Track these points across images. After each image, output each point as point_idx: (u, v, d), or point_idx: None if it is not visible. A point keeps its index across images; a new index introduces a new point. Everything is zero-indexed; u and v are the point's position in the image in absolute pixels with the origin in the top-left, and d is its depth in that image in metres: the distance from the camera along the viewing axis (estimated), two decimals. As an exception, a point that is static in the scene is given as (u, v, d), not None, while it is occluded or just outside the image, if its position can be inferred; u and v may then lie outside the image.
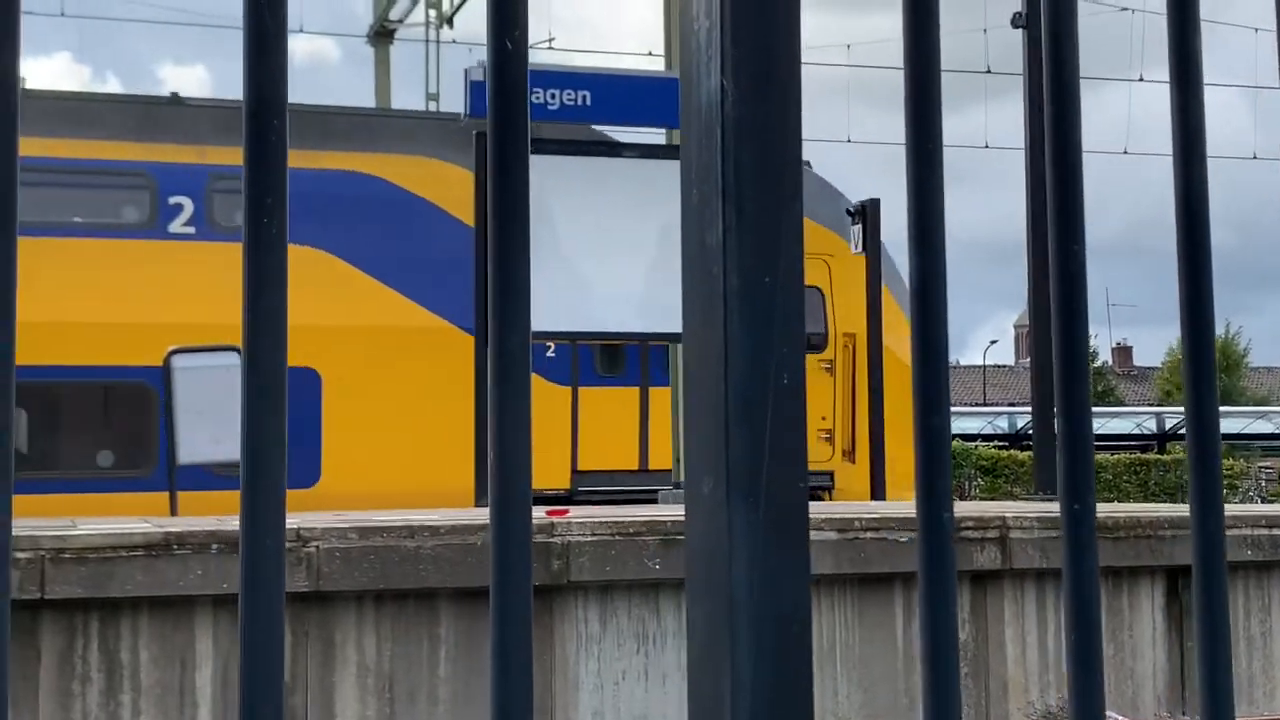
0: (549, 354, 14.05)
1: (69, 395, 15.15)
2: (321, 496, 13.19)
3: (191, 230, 15.19)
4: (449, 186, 15.26)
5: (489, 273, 1.16)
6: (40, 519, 7.32)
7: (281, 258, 1.11)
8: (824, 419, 16.13)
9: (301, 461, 14.63)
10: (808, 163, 19.61)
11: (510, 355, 1.16)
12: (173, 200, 15.21)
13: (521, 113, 1.17)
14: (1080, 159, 1.37)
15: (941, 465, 1.26)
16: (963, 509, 8.67)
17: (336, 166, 15.42)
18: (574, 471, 12.61)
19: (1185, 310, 1.46)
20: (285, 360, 1.10)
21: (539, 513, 7.96)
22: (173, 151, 15.37)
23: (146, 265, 14.98)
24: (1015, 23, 13.14)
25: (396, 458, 15.19)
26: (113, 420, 15.77)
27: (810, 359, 18.16)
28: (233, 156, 15.89)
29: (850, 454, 16.17)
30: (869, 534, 7.18)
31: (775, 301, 1.18)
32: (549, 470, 14.06)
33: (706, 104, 1.20)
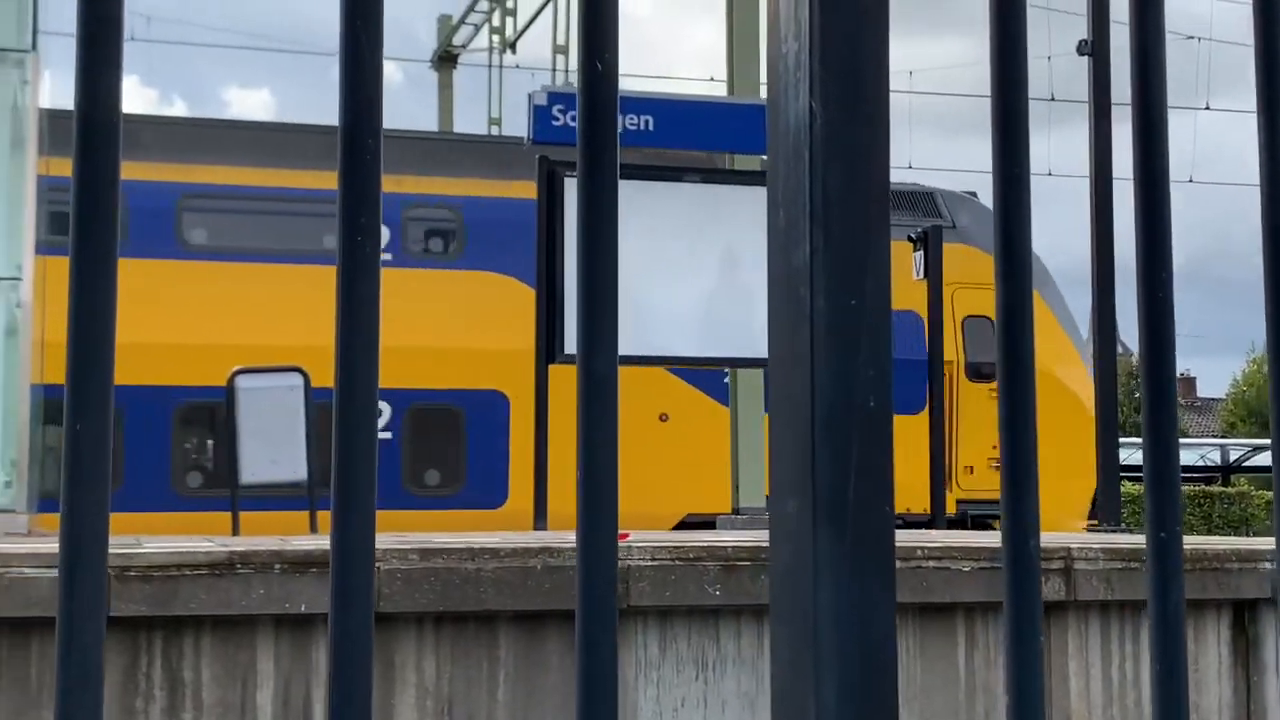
0: (725, 380, 14.48)
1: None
2: (509, 516, 13.53)
3: (389, 257, 15.77)
4: None
5: (578, 296, 1.16)
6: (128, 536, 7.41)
7: (375, 278, 1.12)
8: (995, 447, 16.34)
9: (490, 482, 15.30)
10: (973, 193, 19.60)
11: (598, 377, 1.16)
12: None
13: (611, 134, 1.17)
14: (1168, 188, 1.36)
15: (1028, 492, 1.25)
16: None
17: (525, 195, 15.87)
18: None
19: (1272, 338, 1.44)
20: (377, 379, 1.10)
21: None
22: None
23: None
24: (1081, 50, 13.07)
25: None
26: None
27: (982, 388, 18.24)
28: (429, 186, 16.39)
29: None
30: (931, 563, 7.13)
31: (862, 324, 1.18)
32: (714, 495, 14.51)
33: (795, 126, 1.20)
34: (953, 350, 18.20)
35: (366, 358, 1.12)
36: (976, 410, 17.77)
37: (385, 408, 16.08)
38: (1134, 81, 1.37)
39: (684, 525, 15.30)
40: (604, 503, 1.15)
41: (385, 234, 16.41)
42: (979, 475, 17.75)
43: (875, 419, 1.18)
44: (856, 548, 1.16)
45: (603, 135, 1.18)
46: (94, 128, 1.05)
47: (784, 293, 1.20)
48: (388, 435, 15.71)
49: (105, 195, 1.05)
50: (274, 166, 15.74)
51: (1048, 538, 9.44)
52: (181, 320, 15.17)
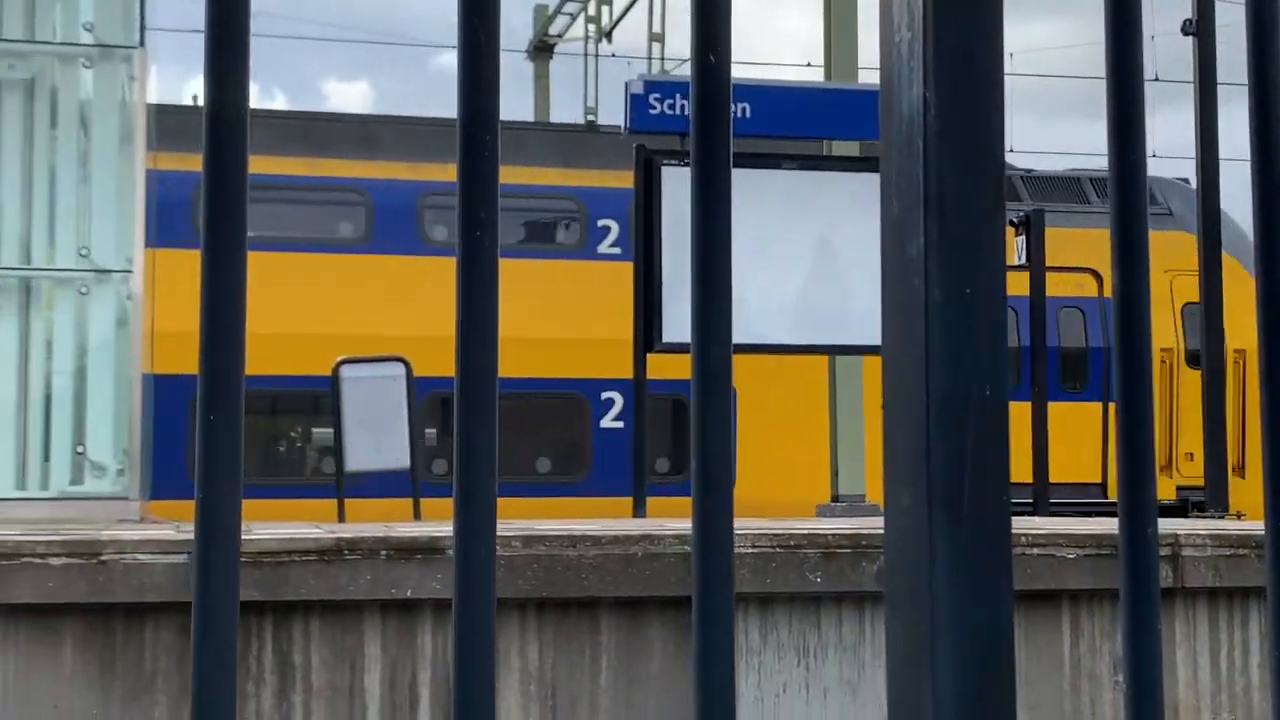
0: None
1: (516, 406, 16.35)
2: (736, 503, 13.94)
3: (618, 251, 16.32)
4: None
5: (693, 286, 1.18)
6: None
7: (492, 271, 1.14)
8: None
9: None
10: (1186, 180, 19.49)
11: (712, 367, 1.17)
12: (600, 223, 16.75)
13: (724, 126, 1.18)
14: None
15: (1146, 478, 1.25)
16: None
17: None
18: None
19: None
20: (496, 370, 1.12)
21: (699, 524, 7.97)
22: (597, 177, 16.58)
23: (579, 284, 16.20)
24: (1185, 30, 12.85)
25: (799, 467, 15.83)
26: (551, 429, 17.36)
27: (1197, 375, 18.31)
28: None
29: (1240, 469, 16.71)
30: (1035, 550, 7.07)
31: (977, 313, 1.18)
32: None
33: (908, 115, 1.20)
34: (1171, 337, 18.20)
35: (484, 345, 1.14)
36: (1196, 397, 17.67)
37: (618, 397, 16.56)
38: (1250, 59, 1.35)
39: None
40: (719, 491, 1.16)
41: (615, 229, 16.98)
42: (1199, 462, 17.72)
43: (991, 408, 1.18)
44: (973, 537, 1.16)
45: (716, 127, 1.19)
46: (223, 124, 1.08)
47: (898, 283, 1.21)
48: (619, 424, 16.28)
49: (235, 189, 1.08)
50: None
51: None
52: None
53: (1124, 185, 1.24)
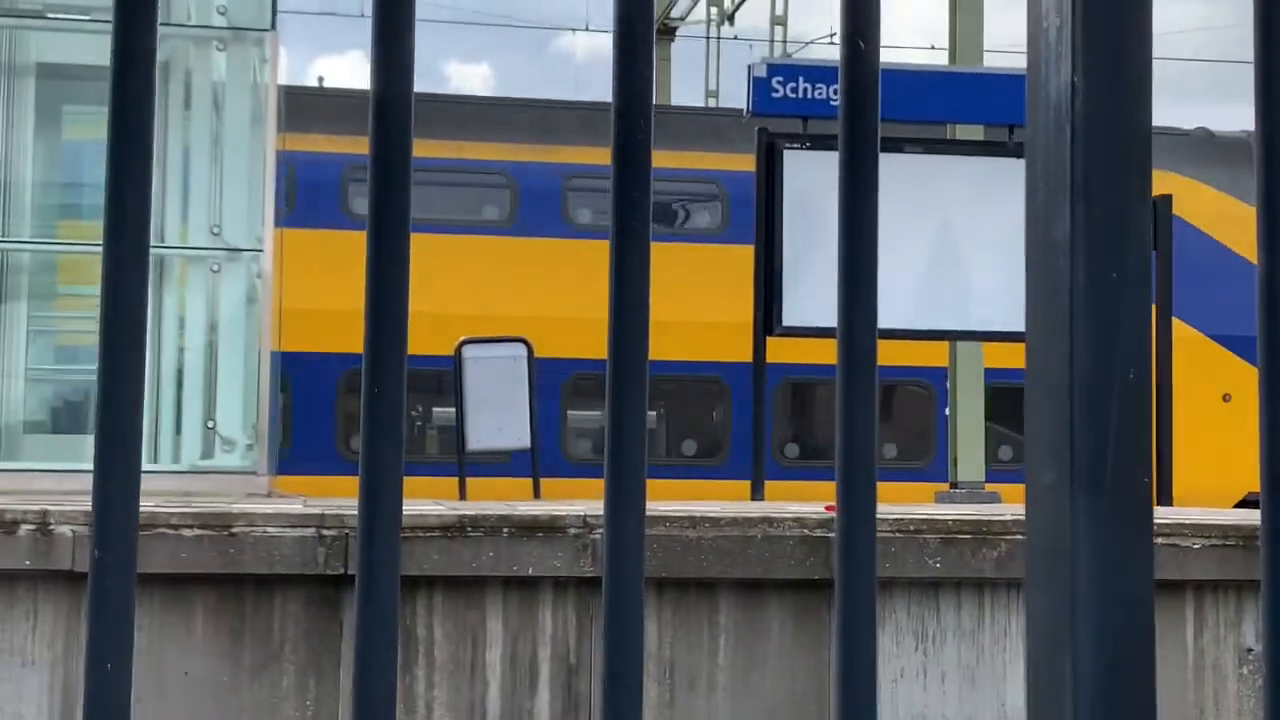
0: None
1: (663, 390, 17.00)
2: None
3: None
4: (1199, 203, 16.63)
5: (840, 272, 1.20)
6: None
7: (644, 254, 1.17)
8: None
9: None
10: None
11: (859, 353, 1.19)
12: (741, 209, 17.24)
13: (872, 112, 1.21)
14: None
15: (1288, 465, 1.25)
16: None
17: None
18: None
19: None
20: (647, 348, 1.16)
21: (818, 508, 7.97)
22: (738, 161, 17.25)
23: (721, 268, 16.68)
24: None
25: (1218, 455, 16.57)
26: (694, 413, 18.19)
27: None
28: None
29: None
30: (1160, 540, 6.99)
31: (1122, 297, 1.19)
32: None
33: (1056, 101, 1.21)
34: None
35: (637, 327, 1.17)
36: None
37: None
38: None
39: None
40: (862, 478, 1.19)
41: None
42: None
43: (1135, 390, 1.19)
44: (1115, 518, 1.18)
45: (864, 113, 1.21)
46: (388, 105, 1.12)
47: (1043, 266, 1.22)
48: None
49: (399, 171, 1.12)
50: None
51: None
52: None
53: (1271, 162, 1.25)
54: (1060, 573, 1.18)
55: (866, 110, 1.21)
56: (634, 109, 1.17)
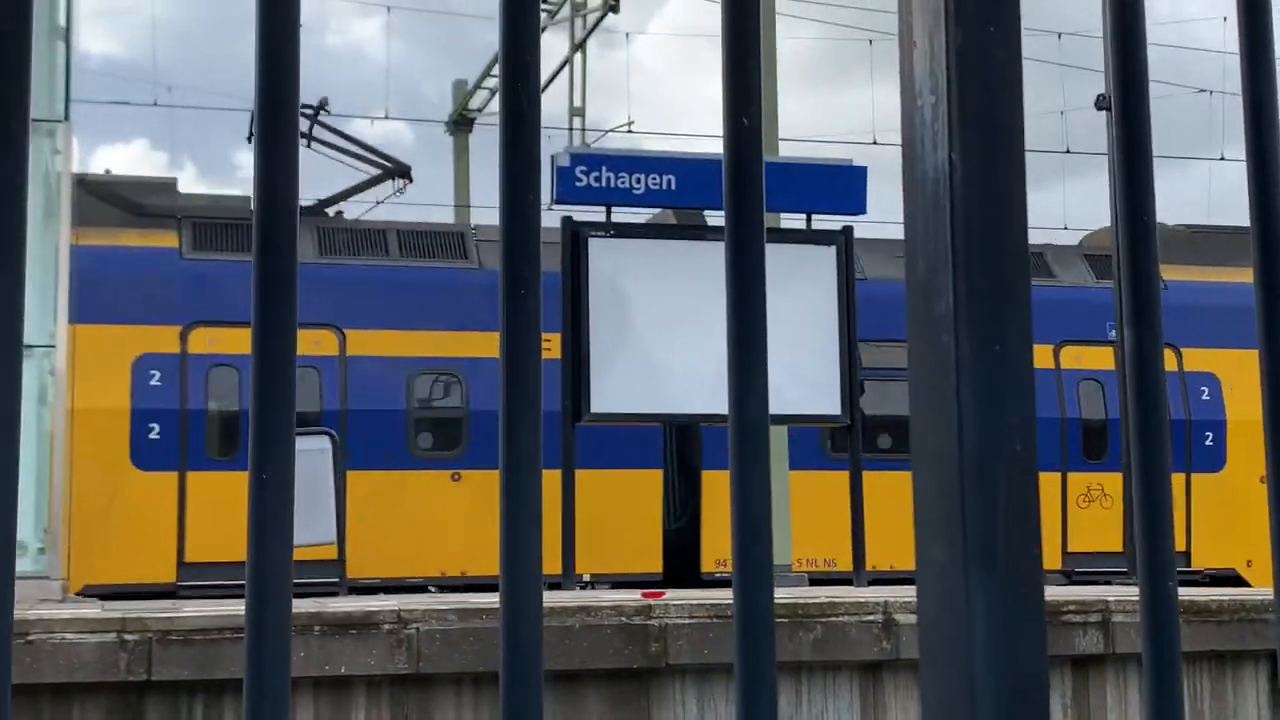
0: None
1: None
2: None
3: None
4: None
5: (729, 349, 1.19)
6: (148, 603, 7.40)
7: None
8: None
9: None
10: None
11: (749, 426, 1.18)
12: None
13: (756, 188, 1.20)
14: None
15: (1163, 533, 1.27)
16: (1064, 593, 8.55)
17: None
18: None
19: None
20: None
21: (635, 595, 7.94)
22: None
23: None
24: (1099, 104, 13.16)
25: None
26: None
27: None
28: None
29: None
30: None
31: (1007, 369, 1.20)
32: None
33: (934, 177, 1.22)
34: None
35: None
36: None
37: None
38: (1247, 129, 1.39)
39: None
40: (760, 553, 1.17)
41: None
42: None
43: (1022, 464, 1.20)
44: (1009, 593, 1.17)
45: (748, 190, 1.21)
46: (274, 209, 1.08)
47: (927, 341, 1.22)
48: None
49: (286, 276, 1.07)
50: None
51: (1085, 591, 9.40)
52: None
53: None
54: (955, 652, 1.17)
55: (752, 186, 1.21)
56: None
